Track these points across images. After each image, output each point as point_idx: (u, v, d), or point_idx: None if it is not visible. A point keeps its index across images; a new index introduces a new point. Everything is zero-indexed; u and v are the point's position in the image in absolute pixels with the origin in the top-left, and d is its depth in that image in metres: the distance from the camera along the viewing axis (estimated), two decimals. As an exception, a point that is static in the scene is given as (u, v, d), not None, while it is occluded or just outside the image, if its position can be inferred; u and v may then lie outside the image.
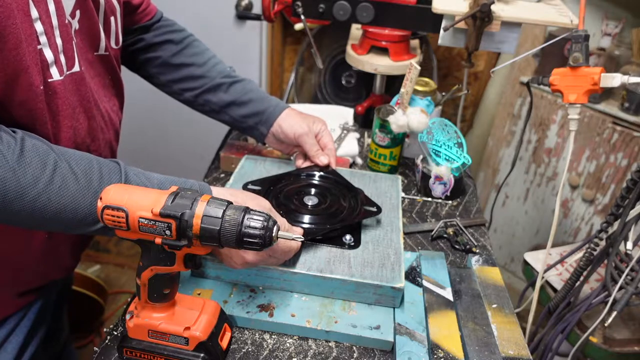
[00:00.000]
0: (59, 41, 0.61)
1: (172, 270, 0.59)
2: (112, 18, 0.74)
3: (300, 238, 0.59)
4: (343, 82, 1.69)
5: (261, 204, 0.70)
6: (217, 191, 0.68)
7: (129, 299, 0.77)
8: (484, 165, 1.96)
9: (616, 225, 0.95)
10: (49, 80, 0.60)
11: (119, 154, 0.80)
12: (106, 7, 0.71)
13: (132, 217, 0.53)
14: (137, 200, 0.54)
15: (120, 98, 0.81)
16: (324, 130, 0.95)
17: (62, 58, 0.62)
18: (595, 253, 0.99)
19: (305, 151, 0.94)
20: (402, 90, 1.07)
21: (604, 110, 1.54)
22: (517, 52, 1.11)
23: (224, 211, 0.54)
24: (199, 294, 0.75)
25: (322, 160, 0.93)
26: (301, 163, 0.96)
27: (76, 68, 0.65)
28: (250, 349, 0.71)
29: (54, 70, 0.60)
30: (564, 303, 1.07)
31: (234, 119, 0.95)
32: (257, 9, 1.90)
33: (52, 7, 0.58)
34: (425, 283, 0.82)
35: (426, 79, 1.19)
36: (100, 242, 2.23)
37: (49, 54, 0.59)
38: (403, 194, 1.07)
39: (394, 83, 1.47)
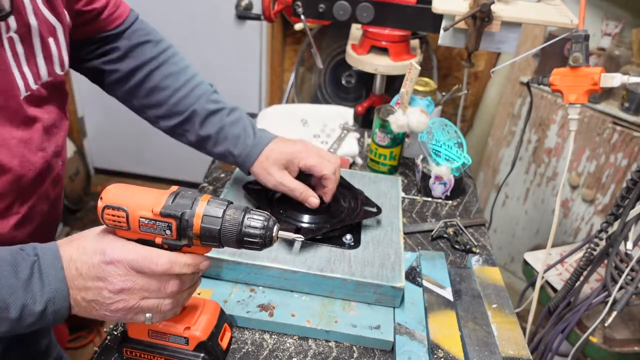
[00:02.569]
0: None
1: None
2: (50, 39, 0.63)
3: (300, 238, 0.59)
4: (343, 82, 1.69)
5: None
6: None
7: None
8: (484, 165, 1.96)
9: (616, 225, 0.95)
10: None
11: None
12: (40, 28, 0.61)
13: (133, 217, 0.53)
14: (137, 200, 0.54)
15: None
16: (304, 156, 0.83)
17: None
18: (595, 253, 0.99)
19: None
20: (402, 90, 1.07)
21: (604, 110, 1.54)
22: (517, 52, 1.12)
23: (224, 211, 0.54)
24: (199, 294, 0.75)
25: (311, 202, 0.82)
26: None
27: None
28: (250, 349, 0.71)
29: None
30: (564, 303, 1.07)
31: (213, 154, 0.86)
32: (257, 9, 1.90)
33: None
34: (425, 283, 0.82)
35: (426, 79, 1.19)
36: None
37: None
38: (403, 194, 1.07)
39: (394, 83, 1.47)
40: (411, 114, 1.03)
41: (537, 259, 1.33)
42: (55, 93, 0.66)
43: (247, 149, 0.83)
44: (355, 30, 1.43)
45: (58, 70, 0.65)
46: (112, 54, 0.79)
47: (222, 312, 0.68)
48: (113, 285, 0.53)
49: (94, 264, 0.52)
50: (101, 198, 0.54)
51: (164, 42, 0.84)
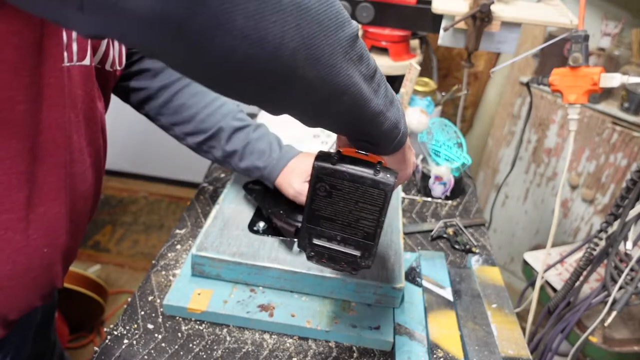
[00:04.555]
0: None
1: None
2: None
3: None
4: (343, 82, 1.69)
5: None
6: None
7: (129, 299, 0.77)
8: (483, 165, 1.96)
9: (616, 225, 0.95)
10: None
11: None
12: None
13: None
14: None
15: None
16: None
17: (75, 46, 0.58)
18: (595, 253, 0.99)
19: None
20: (402, 90, 1.07)
21: (604, 110, 1.54)
22: (517, 52, 1.12)
23: None
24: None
25: None
26: None
27: (86, 61, 0.61)
28: (250, 349, 0.71)
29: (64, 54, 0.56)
30: (563, 303, 1.07)
31: (238, 169, 0.87)
32: (257, 9, 1.90)
33: None
34: (425, 283, 0.82)
35: (426, 79, 1.19)
36: (100, 242, 2.23)
37: (64, 36, 0.55)
38: (403, 194, 1.07)
39: (394, 83, 1.47)
40: (411, 114, 1.03)
41: (536, 259, 1.33)
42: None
43: (272, 162, 0.84)
44: (355, 30, 1.43)
45: (117, 66, 0.69)
46: (144, 74, 0.83)
47: None
48: None
49: None
50: None
51: None
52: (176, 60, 0.37)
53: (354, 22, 0.41)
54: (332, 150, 0.53)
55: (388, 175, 0.50)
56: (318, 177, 0.51)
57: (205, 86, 0.40)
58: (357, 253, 0.54)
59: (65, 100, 0.56)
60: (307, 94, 0.41)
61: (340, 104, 0.43)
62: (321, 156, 0.51)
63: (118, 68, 0.70)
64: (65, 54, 0.56)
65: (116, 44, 0.68)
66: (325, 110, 0.44)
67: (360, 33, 1.30)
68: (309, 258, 0.56)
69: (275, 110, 0.44)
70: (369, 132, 0.49)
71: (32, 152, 0.54)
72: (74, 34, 0.57)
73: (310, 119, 0.47)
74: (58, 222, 0.60)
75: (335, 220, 0.53)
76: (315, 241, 0.54)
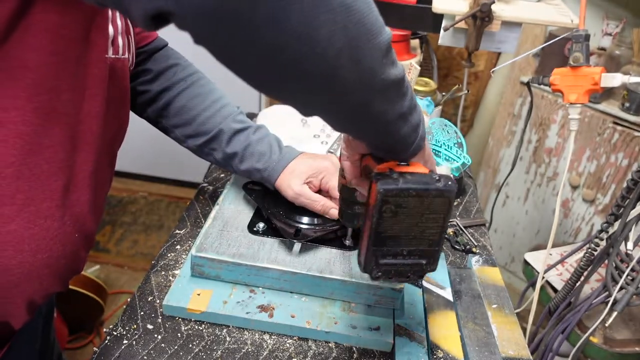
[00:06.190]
0: (120, 21, 0.59)
1: None
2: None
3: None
4: (343, 82, 1.69)
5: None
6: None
7: (129, 299, 0.77)
8: (484, 165, 1.96)
9: (617, 225, 0.95)
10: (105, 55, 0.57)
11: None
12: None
13: None
14: None
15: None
16: (329, 173, 0.84)
17: (120, 40, 0.60)
18: (595, 253, 0.99)
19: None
20: (402, 90, 1.07)
21: (605, 110, 1.54)
22: (518, 52, 1.11)
23: None
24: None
25: (332, 213, 0.81)
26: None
27: (125, 55, 0.63)
28: (250, 349, 0.71)
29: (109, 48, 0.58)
30: (564, 303, 1.06)
31: (238, 171, 0.86)
32: (257, 9, 1.90)
33: None
34: (425, 283, 0.82)
35: (426, 79, 1.19)
36: (100, 242, 2.23)
37: (110, 29, 0.57)
38: (403, 194, 1.07)
39: (394, 83, 1.47)
40: (411, 114, 1.03)
41: (537, 259, 1.33)
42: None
43: (272, 164, 0.84)
44: (355, 30, 1.42)
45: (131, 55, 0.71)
46: (144, 76, 0.83)
47: None
48: None
49: None
50: None
51: (192, 67, 0.88)
52: (224, 48, 0.37)
53: (388, 29, 0.42)
54: (355, 160, 0.54)
55: (449, 182, 0.50)
56: (384, 200, 0.49)
57: (245, 80, 0.40)
58: (423, 261, 0.54)
59: (104, 91, 0.58)
60: (345, 95, 0.41)
61: (374, 106, 0.44)
62: (380, 178, 0.49)
63: (131, 68, 0.71)
64: (111, 46, 0.58)
65: (132, 42, 0.69)
66: (358, 113, 0.44)
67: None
68: (375, 278, 0.55)
69: (308, 110, 0.44)
70: (392, 134, 0.49)
71: (72, 141, 0.55)
72: (120, 27, 0.59)
73: (340, 122, 0.47)
74: (85, 208, 0.62)
75: (401, 236, 0.52)
76: (382, 261, 0.53)
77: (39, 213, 0.55)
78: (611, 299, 0.93)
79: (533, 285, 1.14)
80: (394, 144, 0.51)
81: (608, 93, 1.56)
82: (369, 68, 0.40)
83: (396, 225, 0.51)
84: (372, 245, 0.52)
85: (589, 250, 0.98)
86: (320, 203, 0.81)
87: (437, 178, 0.50)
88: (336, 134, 1.22)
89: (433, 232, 0.52)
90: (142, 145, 2.37)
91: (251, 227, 0.83)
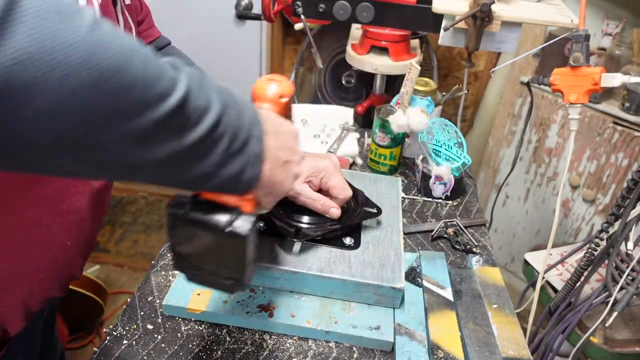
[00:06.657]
0: (121, 18, 0.61)
1: None
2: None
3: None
4: (343, 82, 1.69)
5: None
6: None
7: (129, 299, 0.77)
8: (484, 165, 1.96)
9: (617, 225, 0.95)
10: None
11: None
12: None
13: None
14: None
15: None
16: (329, 172, 0.82)
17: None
18: (595, 253, 0.99)
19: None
20: (402, 90, 1.07)
21: (605, 110, 1.54)
22: (518, 52, 1.11)
23: None
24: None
25: (333, 213, 0.80)
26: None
27: None
28: (250, 349, 0.70)
29: None
30: (564, 303, 1.06)
31: None
32: (257, 9, 1.90)
33: None
34: (425, 283, 0.82)
35: (426, 79, 1.19)
36: (100, 242, 2.23)
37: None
38: (403, 194, 1.07)
39: (394, 83, 1.47)
40: (411, 114, 1.03)
41: (537, 259, 1.33)
42: None
43: None
44: (355, 30, 1.42)
45: None
46: None
47: None
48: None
49: None
50: None
51: (195, 67, 0.89)
52: None
53: (182, 85, 0.37)
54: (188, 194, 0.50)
55: (242, 222, 0.47)
56: (173, 224, 0.49)
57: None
58: (227, 283, 0.52)
59: None
60: (116, 169, 0.37)
61: (160, 177, 0.41)
62: (175, 204, 0.48)
63: None
64: None
65: None
66: (140, 179, 0.41)
67: (360, 33, 1.30)
68: (189, 280, 0.54)
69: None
70: (201, 187, 0.46)
71: None
72: (121, 25, 0.63)
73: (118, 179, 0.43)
74: (81, 215, 0.60)
75: (201, 256, 0.51)
76: (190, 270, 0.52)
77: (26, 220, 0.55)
78: (611, 299, 0.93)
79: (533, 285, 1.14)
80: (212, 189, 0.47)
81: (608, 93, 1.56)
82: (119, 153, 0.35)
83: (193, 247, 0.50)
84: (174, 259, 0.52)
85: (589, 250, 0.98)
86: (320, 202, 0.81)
87: (234, 217, 0.47)
88: (336, 134, 1.22)
89: (235, 262, 0.50)
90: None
91: (251, 227, 0.82)
